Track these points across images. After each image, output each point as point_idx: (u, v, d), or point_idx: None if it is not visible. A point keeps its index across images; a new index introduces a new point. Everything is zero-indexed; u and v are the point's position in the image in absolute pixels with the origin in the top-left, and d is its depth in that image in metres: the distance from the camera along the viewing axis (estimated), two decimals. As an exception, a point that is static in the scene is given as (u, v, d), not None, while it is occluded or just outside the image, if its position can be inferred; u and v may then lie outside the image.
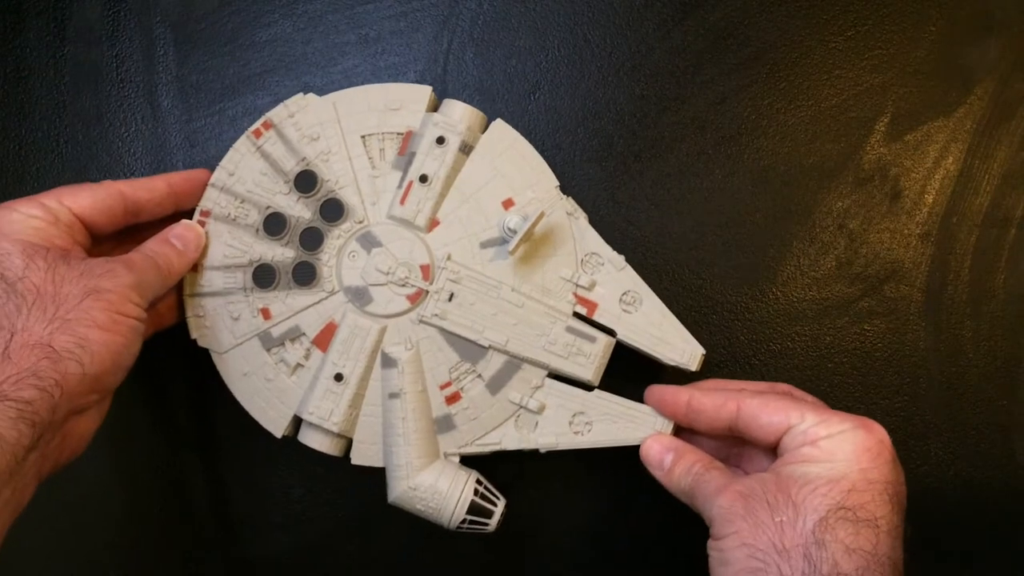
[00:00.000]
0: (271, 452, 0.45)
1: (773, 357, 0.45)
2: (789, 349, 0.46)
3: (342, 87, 0.40)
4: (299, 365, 0.39)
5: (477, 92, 0.45)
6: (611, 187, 0.45)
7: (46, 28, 0.45)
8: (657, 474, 0.38)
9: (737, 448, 0.40)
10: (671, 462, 0.37)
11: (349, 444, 0.40)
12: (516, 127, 0.40)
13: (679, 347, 0.40)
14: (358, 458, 0.39)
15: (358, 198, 0.40)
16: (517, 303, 0.39)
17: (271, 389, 0.39)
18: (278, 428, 0.39)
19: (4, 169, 0.45)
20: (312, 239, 0.40)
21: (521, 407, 0.39)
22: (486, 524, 0.38)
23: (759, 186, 0.45)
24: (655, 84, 0.45)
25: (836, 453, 0.32)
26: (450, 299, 0.39)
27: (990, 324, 0.46)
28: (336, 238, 0.40)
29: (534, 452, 0.40)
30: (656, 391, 0.39)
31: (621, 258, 0.40)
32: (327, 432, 0.39)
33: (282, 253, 0.40)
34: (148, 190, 0.37)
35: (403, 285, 0.39)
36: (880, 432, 0.33)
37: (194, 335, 0.39)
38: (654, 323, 0.40)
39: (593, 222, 0.40)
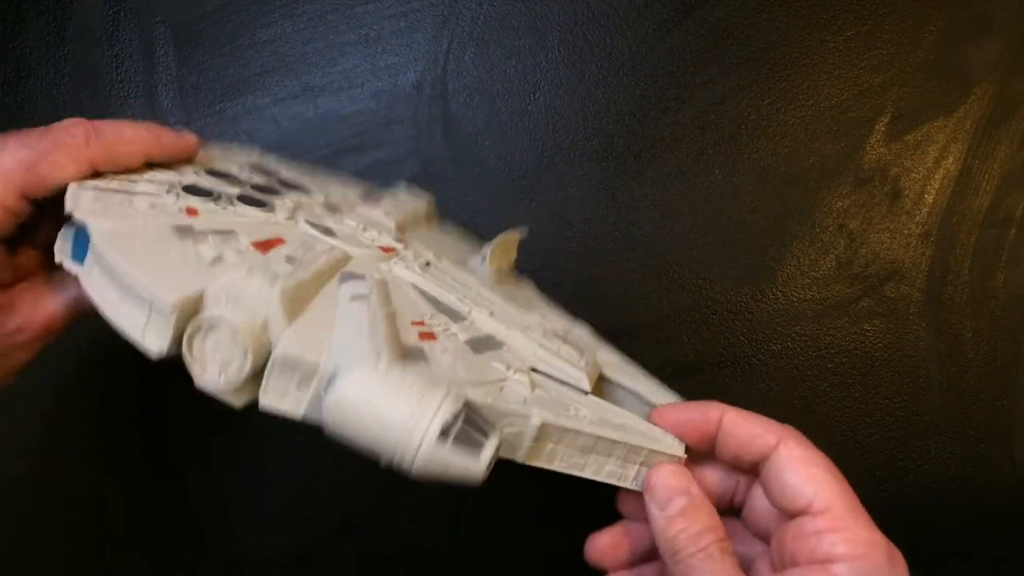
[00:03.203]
0: (271, 452, 0.45)
1: (773, 357, 0.45)
2: (789, 349, 0.46)
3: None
4: (219, 259, 0.27)
5: (477, 92, 0.45)
6: (611, 187, 0.45)
7: (46, 28, 0.45)
8: (653, 511, 0.29)
9: (744, 489, 0.32)
10: (679, 510, 0.29)
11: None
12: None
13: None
14: (293, 345, 0.24)
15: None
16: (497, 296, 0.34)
17: (173, 261, 0.26)
18: (172, 291, 0.24)
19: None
20: (267, 192, 0.34)
21: (507, 379, 0.29)
22: (470, 464, 0.24)
23: (759, 186, 0.45)
24: (655, 84, 0.45)
25: None
26: (426, 266, 0.33)
27: (990, 324, 0.45)
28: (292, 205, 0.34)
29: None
30: (672, 408, 0.31)
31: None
32: (259, 302, 0.25)
33: (226, 188, 0.33)
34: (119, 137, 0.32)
35: (375, 235, 0.34)
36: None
37: (70, 207, 0.28)
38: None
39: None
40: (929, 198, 0.45)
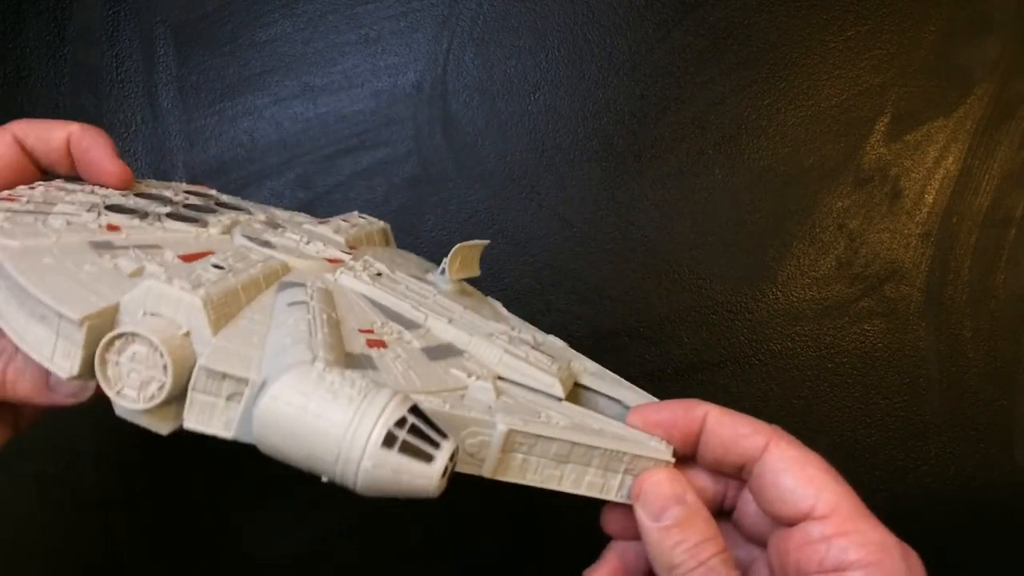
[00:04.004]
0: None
1: (773, 357, 0.45)
2: (789, 349, 0.46)
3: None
4: (140, 271, 0.24)
5: (477, 92, 0.45)
6: (611, 187, 0.45)
7: (46, 28, 0.45)
8: (646, 521, 0.26)
9: (734, 491, 0.29)
10: (675, 520, 0.26)
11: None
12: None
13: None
14: (219, 355, 0.21)
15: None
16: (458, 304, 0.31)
17: (87, 275, 0.23)
18: (81, 305, 0.21)
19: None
20: (201, 211, 0.32)
21: (468, 387, 0.26)
22: (422, 474, 0.21)
23: (759, 186, 0.45)
24: (655, 84, 0.45)
25: None
26: (377, 276, 0.31)
27: (990, 324, 0.45)
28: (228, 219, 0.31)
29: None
30: (651, 407, 0.28)
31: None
32: (182, 306, 0.22)
33: (156, 207, 0.31)
34: (44, 137, 0.31)
35: (320, 247, 0.31)
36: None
37: None
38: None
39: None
40: (929, 198, 0.45)
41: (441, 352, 0.27)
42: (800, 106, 0.45)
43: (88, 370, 0.21)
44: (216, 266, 0.25)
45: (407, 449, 0.20)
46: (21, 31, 0.45)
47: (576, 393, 0.29)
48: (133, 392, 0.21)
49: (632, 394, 0.29)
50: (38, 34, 0.45)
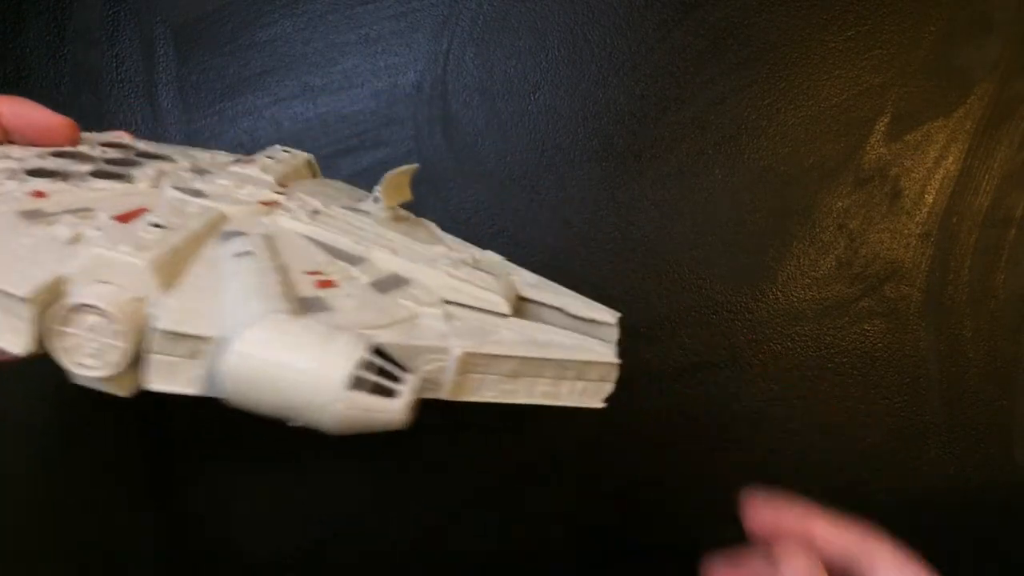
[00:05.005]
0: (273, 453, 0.45)
1: (773, 357, 0.45)
2: (789, 349, 0.46)
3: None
4: (78, 238, 0.24)
5: (477, 92, 0.45)
6: (611, 187, 0.45)
7: (46, 28, 0.45)
8: None
9: None
10: None
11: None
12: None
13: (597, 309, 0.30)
14: (174, 316, 0.22)
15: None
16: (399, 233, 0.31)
17: (24, 248, 0.23)
18: (24, 280, 0.21)
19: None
20: (124, 164, 0.31)
21: (419, 315, 0.26)
22: (389, 409, 0.21)
23: (759, 186, 0.45)
24: (655, 84, 0.45)
25: None
26: (315, 214, 0.31)
27: (990, 324, 0.45)
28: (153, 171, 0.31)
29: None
30: (763, 511, 0.28)
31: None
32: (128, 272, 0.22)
33: (77, 166, 0.30)
34: None
35: (251, 190, 0.31)
36: None
37: None
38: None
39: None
40: (929, 198, 0.45)
41: (388, 284, 0.28)
42: (800, 106, 0.45)
43: (40, 345, 0.21)
44: (155, 224, 0.25)
45: (373, 389, 0.21)
46: (21, 31, 0.45)
47: (520, 307, 0.30)
48: (90, 362, 0.21)
49: (574, 300, 0.30)
50: (38, 34, 0.45)
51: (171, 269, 0.23)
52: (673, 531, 0.46)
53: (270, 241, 0.27)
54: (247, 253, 0.26)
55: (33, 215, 0.25)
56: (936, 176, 0.45)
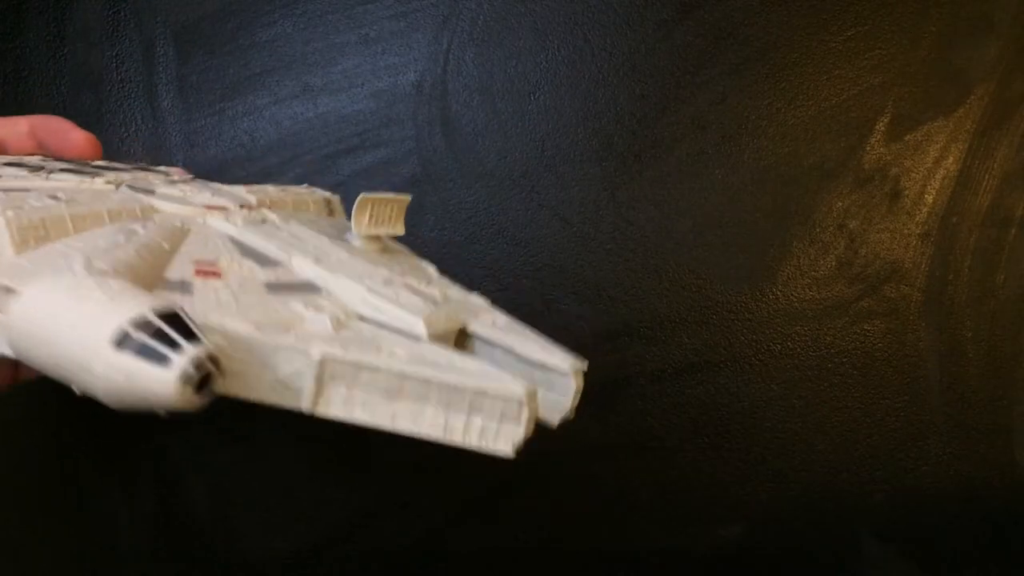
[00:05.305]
0: (272, 453, 0.45)
1: (773, 357, 0.45)
2: (789, 349, 0.46)
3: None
4: None
5: (477, 92, 0.45)
6: (611, 187, 0.45)
7: (46, 28, 0.45)
8: None
9: None
10: None
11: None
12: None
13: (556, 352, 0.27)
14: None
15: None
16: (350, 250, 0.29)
17: None
18: None
19: (4, 169, 0.45)
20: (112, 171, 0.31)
21: (304, 319, 0.24)
22: (157, 378, 0.18)
23: (759, 186, 0.45)
24: (655, 84, 0.45)
25: None
26: (261, 223, 0.29)
27: (990, 324, 0.45)
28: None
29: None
30: None
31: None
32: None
33: (58, 165, 0.31)
34: (9, 127, 0.35)
35: (207, 196, 0.30)
36: None
37: None
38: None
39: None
40: (929, 198, 0.45)
41: (290, 288, 0.25)
42: (800, 106, 0.45)
43: None
44: (52, 197, 0.25)
45: (142, 351, 0.18)
46: (21, 31, 0.45)
47: (469, 345, 0.27)
48: None
49: (530, 343, 0.26)
50: (38, 34, 0.45)
51: (37, 233, 0.23)
52: (673, 531, 0.46)
53: (173, 230, 0.26)
54: (128, 231, 0.24)
55: None
56: (936, 176, 0.45)
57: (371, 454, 0.46)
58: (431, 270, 0.32)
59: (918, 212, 0.45)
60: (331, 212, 0.37)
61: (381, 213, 0.30)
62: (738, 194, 0.45)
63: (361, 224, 0.29)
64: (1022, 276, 0.45)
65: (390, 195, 0.29)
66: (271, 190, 0.34)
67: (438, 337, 0.24)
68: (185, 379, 0.18)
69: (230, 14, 0.45)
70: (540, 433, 0.46)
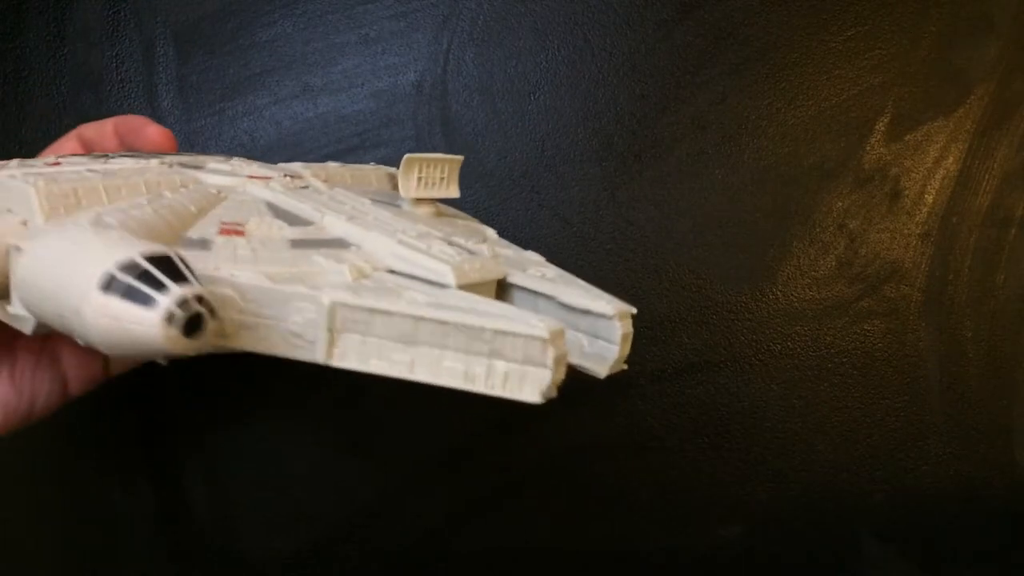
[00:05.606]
0: (273, 453, 0.45)
1: (773, 357, 0.45)
2: (789, 349, 0.45)
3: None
4: (13, 175, 0.24)
5: (477, 92, 0.45)
6: (611, 187, 0.45)
7: (46, 28, 0.45)
8: None
9: None
10: None
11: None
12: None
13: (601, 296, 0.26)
14: (16, 237, 0.21)
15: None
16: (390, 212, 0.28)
17: None
18: None
19: (4, 169, 0.45)
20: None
21: (324, 272, 0.23)
22: (141, 319, 0.18)
23: (759, 186, 0.45)
24: (655, 84, 0.45)
25: None
26: (302, 188, 0.29)
27: (990, 324, 0.45)
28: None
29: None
30: None
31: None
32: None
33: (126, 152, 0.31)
34: (98, 128, 0.36)
35: (255, 168, 0.30)
36: None
37: None
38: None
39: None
40: (929, 198, 0.45)
41: (316, 244, 0.25)
42: (800, 106, 0.45)
43: None
44: (90, 170, 0.25)
45: (127, 292, 0.18)
46: (21, 31, 0.45)
47: (511, 297, 0.26)
48: None
49: (574, 289, 0.25)
50: (38, 34, 0.45)
51: (67, 201, 0.23)
52: (673, 531, 0.46)
53: (204, 194, 0.26)
54: (157, 197, 0.24)
55: (26, 176, 0.25)
56: (936, 176, 0.45)
57: (371, 454, 0.46)
58: (489, 232, 0.31)
59: (918, 212, 0.45)
60: (394, 187, 0.35)
61: (431, 175, 0.29)
62: (738, 194, 0.45)
63: (409, 186, 0.28)
64: (1022, 276, 0.45)
65: (439, 155, 0.28)
66: (331, 166, 0.34)
67: (472, 287, 0.23)
68: (170, 319, 0.18)
69: (230, 14, 0.45)
70: (540, 433, 0.47)
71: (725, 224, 0.45)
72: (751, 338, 0.45)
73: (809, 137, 0.45)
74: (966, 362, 0.46)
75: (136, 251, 0.18)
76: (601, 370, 0.25)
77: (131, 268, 0.18)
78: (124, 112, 0.45)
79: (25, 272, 0.20)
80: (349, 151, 0.46)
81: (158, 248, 0.18)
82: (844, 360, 0.46)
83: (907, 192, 0.45)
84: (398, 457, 0.46)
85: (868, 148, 0.45)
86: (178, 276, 0.18)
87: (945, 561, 0.46)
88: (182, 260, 0.18)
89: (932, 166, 0.45)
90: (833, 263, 0.45)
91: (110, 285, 0.18)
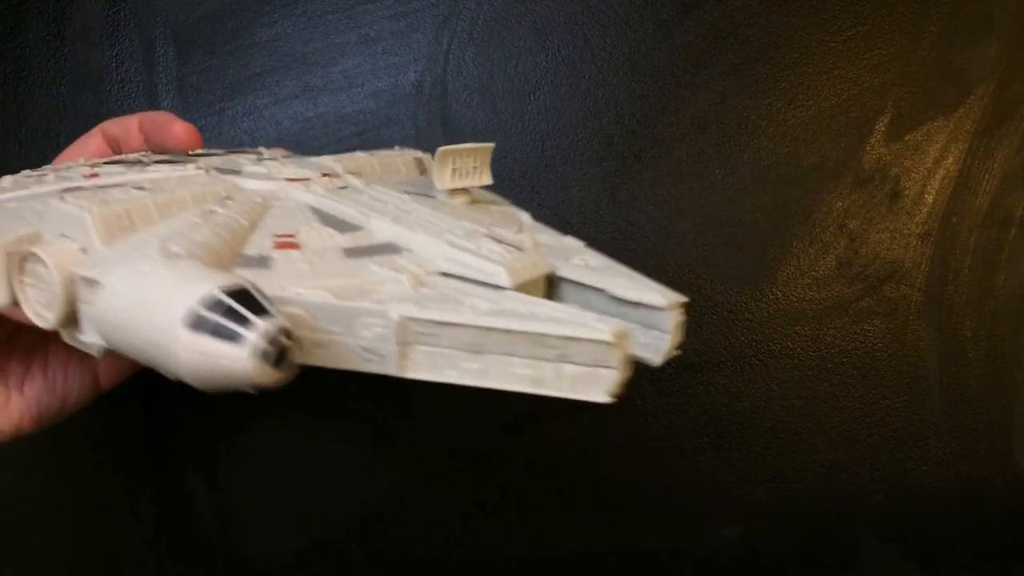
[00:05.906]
0: (274, 454, 0.45)
1: (773, 357, 0.45)
2: (789, 349, 0.46)
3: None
4: (64, 197, 0.24)
5: (477, 92, 0.45)
6: (611, 187, 0.45)
7: (46, 28, 0.45)
8: None
9: None
10: None
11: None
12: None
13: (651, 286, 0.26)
14: (81, 267, 0.21)
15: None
16: (431, 207, 0.28)
17: (21, 210, 0.24)
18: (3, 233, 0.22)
19: (5, 169, 0.45)
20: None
21: (384, 282, 0.24)
22: (231, 356, 0.18)
23: (759, 186, 0.45)
24: (655, 84, 0.45)
25: None
26: (341, 189, 0.29)
27: (990, 324, 0.45)
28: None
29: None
30: None
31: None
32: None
33: (159, 158, 0.31)
34: (124, 125, 0.36)
35: (292, 170, 0.30)
36: None
37: None
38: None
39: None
40: (929, 198, 0.45)
41: (369, 251, 0.25)
42: (800, 106, 0.45)
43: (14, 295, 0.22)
44: (138, 188, 0.25)
45: (215, 331, 0.18)
46: (21, 31, 0.45)
47: (559, 289, 0.27)
48: (45, 312, 0.21)
49: (623, 280, 0.26)
50: (38, 34, 0.45)
51: (122, 223, 0.23)
52: (673, 531, 0.46)
53: (252, 206, 0.26)
54: (209, 213, 0.25)
55: (68, 191, 0.25)
56: (936, 176, 0.45)
57: (376, 454, 0.46)
58: (524, 217, 0.32)
59: (918, 212, 0.45)
60: (423, 171, 0.36)
61: (464, 165, 0.29)
62: (738, 194, 0.45)
63: (444, 179, 0.29)
64: (1022, 276, 0.45)
65: (471, 144, 0.29)
66: (359, 156, 0.34)
67: (524, 286, 0.24)
68: (259, 355, 0.18)
69: (230, 14, 0.45)
70: (540, 433, 0.47)
71: (725, 224, 0.45)
72: (751, 338, 0.45)
73: (809, 137, 0.45)
74: (966, 362, 0.46)
75: (214, 285, 0.18)
76: (656, 358, 0.25)
77: (216, 305, 0.18)
78: (124, 112, 0.45)
79: (103, 307, 0.20)
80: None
81: (233, 280, 0.19)
82: (844, 360, 0.46)
83: (907, 192, 0.45)
84: (401, 458, 0.46)
85: (868, 148, 0.45)
86: (259, 309, 0.19)
87: (945, 561, 0.46)
88: (257, 289, 0.19)
89: (932, 166, 0.45)
90: (833, 263, 0.45)
91: (198, 324, 0.18)
